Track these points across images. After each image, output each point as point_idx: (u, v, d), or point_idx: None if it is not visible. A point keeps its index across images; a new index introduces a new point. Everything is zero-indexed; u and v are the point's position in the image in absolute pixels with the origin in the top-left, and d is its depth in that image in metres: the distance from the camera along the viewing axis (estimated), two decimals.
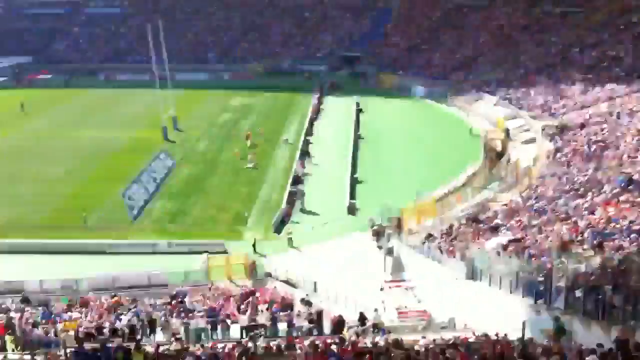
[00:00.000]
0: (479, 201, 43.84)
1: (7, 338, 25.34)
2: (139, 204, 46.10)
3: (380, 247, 37.26)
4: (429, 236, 38.39)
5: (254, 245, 39.75)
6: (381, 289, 32.56)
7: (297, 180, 50.53)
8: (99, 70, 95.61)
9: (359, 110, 71.72)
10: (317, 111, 72.07)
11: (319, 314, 29.28)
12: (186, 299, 32.53)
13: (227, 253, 38.97)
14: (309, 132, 63.86)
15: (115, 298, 33.05)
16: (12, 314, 28.76)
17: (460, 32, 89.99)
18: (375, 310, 28.46)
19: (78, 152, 59.05)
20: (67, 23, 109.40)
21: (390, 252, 36.29)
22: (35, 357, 21.15)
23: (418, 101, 77.79)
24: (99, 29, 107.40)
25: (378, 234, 39.18)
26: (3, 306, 31.56)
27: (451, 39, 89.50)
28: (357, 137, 62.06)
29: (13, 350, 24.25)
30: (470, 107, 69.81)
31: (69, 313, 30.51)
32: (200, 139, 63.51)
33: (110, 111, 74.02)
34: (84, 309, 31.59)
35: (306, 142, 60.04)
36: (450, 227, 39.35)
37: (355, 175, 51.44)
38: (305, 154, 57.00)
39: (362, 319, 27.90)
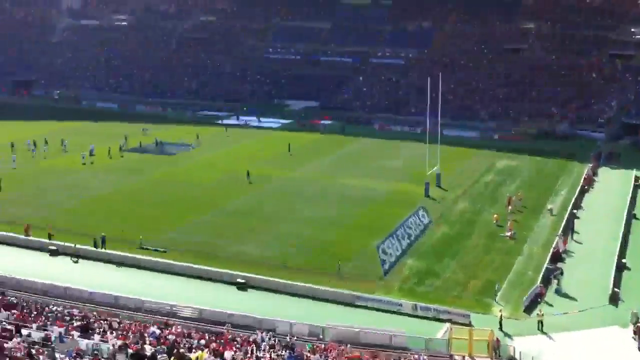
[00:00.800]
0: None
1: None
2: (391, 259, 46.94)
3: None
4: None
5: (500, 322, 38.18)
6: None
7: (557, 258, 47.53)
8: (375, 120, 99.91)
9: (638, 186, 65.82)
10: (589, 182, 67.51)
11: None
12: None
13: (471, 326, 37.95)
14: (577, 205, 59.95)
15: (356, 353, 33.96)
16: (260, 353, 30.89)
17: None
18: None
19: (341, 198, 62.20)
20: (354, 72, 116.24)
21: None
22: None
23: None
24: (382, 79, 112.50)
25: None
26: (254, 340, 34.11)
27: None
28: (631, 217, 56.92)
29: None
30: None
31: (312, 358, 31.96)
32: (460, 198, 63.08)
33: (377, 161, 76.88)
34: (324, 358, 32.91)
35: (572, 216, 56.46)
36: None
37: (623, 260, 47.02)
38: (569, 229, 53.58)
39: None
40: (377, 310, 40.57)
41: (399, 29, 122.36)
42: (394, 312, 40.19)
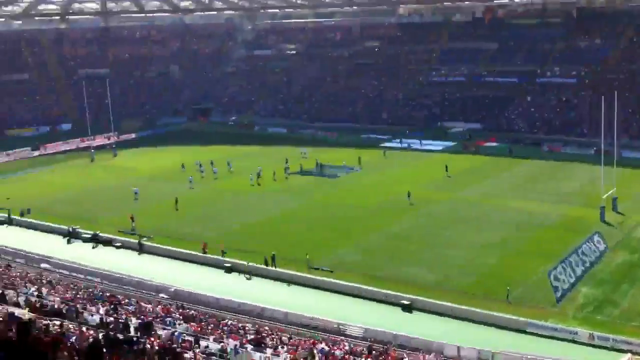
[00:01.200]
0: None
1: None
2: (564, 286, 44.78)
3: None
4: None
5: None
6: None
7: None
8: (544, 141, 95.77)
9: None
10: None
11: None
12: None
13: None
14: None
15: None
16: None
17: None
18: None
19: (507, 222, 60.12)
20: (520, 92, 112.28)
21: None
22: None
23: None
24: (551, 98, 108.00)
25: None
26: None
27: None
28: None
29: None
30: None
31: None
32: None
33: (545, 184, 73.56)
34: None
35: None
36: None
37: None
38: None
39: None
40: (550, 338, 38.83)
41: (569, 47, 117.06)
42: (568, 341, 38.32)
